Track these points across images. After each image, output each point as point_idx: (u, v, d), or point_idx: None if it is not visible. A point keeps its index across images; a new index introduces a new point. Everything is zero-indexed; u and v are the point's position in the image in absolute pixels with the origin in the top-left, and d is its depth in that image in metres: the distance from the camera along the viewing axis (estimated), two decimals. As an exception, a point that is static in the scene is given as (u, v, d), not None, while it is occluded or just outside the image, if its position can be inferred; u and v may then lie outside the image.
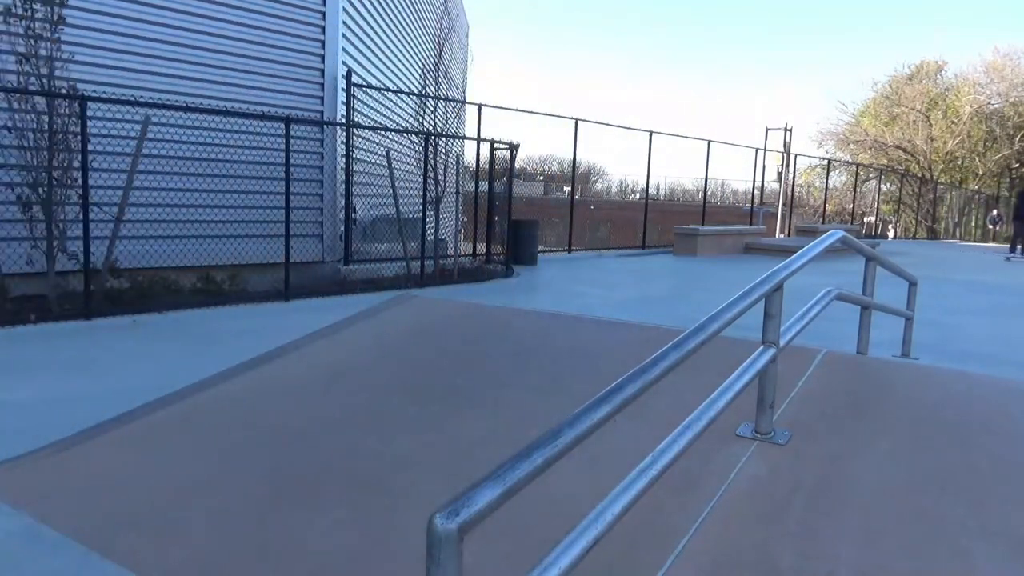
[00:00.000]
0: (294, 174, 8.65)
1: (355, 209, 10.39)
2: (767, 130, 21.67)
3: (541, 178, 42.43)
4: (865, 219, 30.67)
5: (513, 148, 12.02)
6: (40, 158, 6.82)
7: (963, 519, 2.21)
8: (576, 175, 17.33)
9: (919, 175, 33.61)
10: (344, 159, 10.03)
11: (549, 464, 1.38)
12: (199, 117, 8.17)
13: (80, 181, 6.90)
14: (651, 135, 16.65)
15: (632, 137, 16.93)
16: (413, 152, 10.67)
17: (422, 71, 12.63)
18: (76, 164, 6.94)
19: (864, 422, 2.89)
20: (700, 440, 2.06)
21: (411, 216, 10.63)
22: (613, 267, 13.15)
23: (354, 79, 10.30)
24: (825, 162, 29.56)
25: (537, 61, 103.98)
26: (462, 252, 12.25)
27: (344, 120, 10.03)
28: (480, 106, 13.12)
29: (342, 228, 10.15)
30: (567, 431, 1.46)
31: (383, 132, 10.58)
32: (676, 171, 44.55)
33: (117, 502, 2.68)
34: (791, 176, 23.06)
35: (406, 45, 13.64)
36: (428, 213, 10.32)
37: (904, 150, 35.04)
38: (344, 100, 10.05)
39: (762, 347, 2.64)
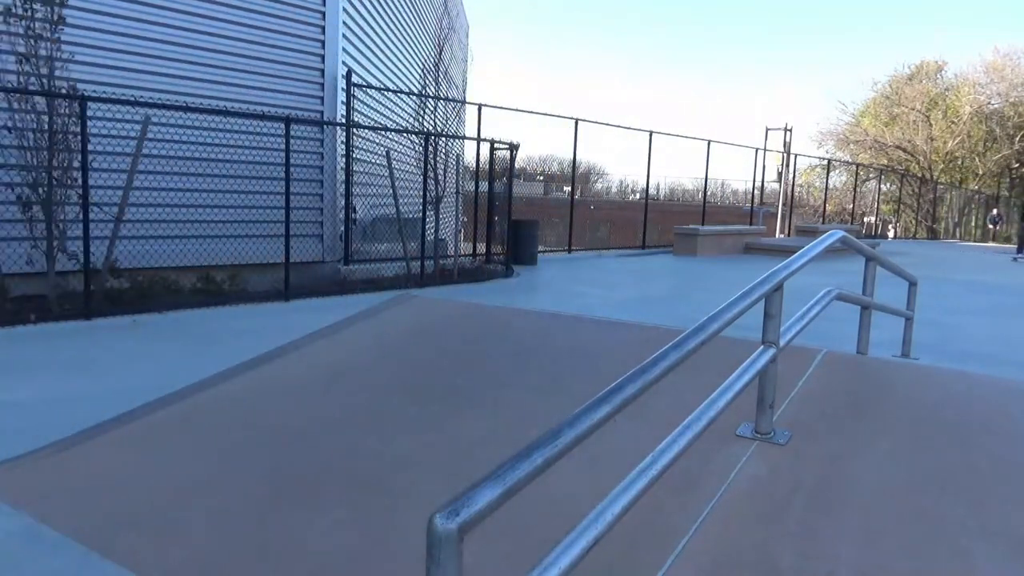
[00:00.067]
0: (294, 174, 8.65)
1: (355, 209, 10.39)
2: (767, 130, 21.69)
3: (541, 178, 42.43)
4: (865, 219, 30.68)
5: (513, 148, 12.02)
6: (40, 158, 6.82)
7: (963, 519, 2.21)
8: (576, 175, 17.33)
9: (919, 175, 33.62)
10: (344, 159, 10.03)
11: (549, 464, 1.38)
12: (199, 117, 8.17)
13: (80, 181, 6.90)
14: (651, 135, 16.66)
15: (632, 137, 16.95)
16: (413, 152, 10.67)
17: (422, 71, 12.64)
18: (76, 164, 6.95)
19: (864, 422, 2.89)
20: (700, 440, 2.06)
21: (411, 216, 10.63)
22: (613, 267, 13.15)
23: (354, 79, 10.30)
24: (825, 162, 29.58)
25: (537, 61, 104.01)
26: (462, 252, 12.25)
27: (344, 120, 10.03)
28: (480, 106, 13.13)
29: (342, 228, 10.15)
30: (567, 431, 1.46)
31: (383, 132, 10.58)
32: (676, 171, 44.59)
33: (117, 502, 2.68)
34: (791, 176, 23.07)
35: (406, 45, 13.64)
36: (428, 213, 10.33)
37: (904, 150, 35.06)
38: (344, 100, 10.05)
39: (762, 347, 2.64)
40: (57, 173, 6.88)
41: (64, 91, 6.88)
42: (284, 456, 2.95)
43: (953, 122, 34.22)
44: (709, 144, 18.42)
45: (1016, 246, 20.53)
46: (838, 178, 33.53)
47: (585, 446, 1.51)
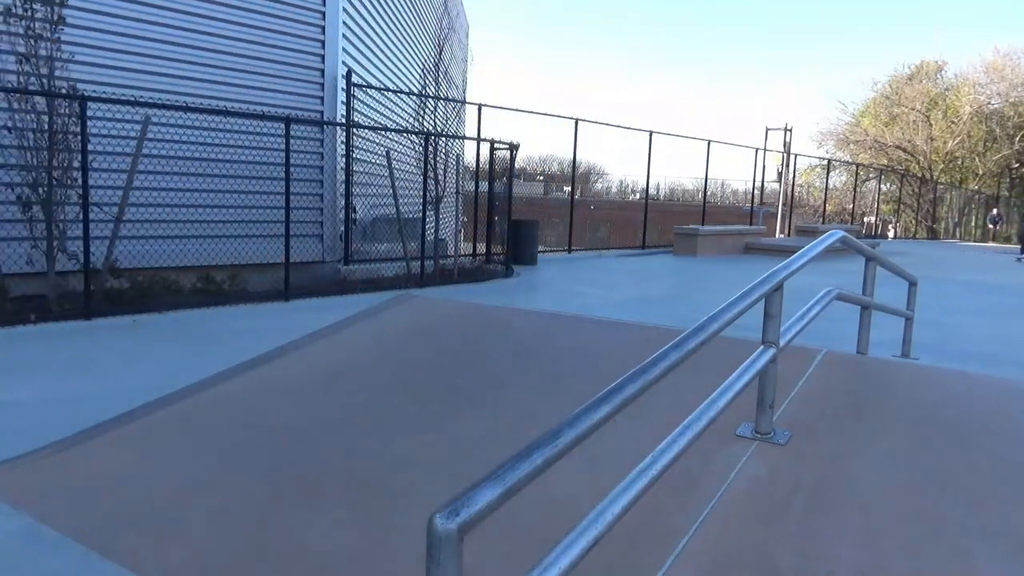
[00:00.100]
0: (294, 174, 8.65)
1: (355, 209, 10.39)
2: (767, 130, 21.69)
3: (541, 178, 42.43)
4: (865, 219, 30.68)
5: (513, 148, 12.02)
6: (40, 158, 6.82)
7: (963, 519, 2.21)
8: (576, 175, 17.33)
9: (919, 175, 33.62)
10: (344, 159, 10.03)
11: (549, 464, 1.38)
12: (199, 117, 8.17)
13: (80, 181, 6.90)
14: (651, 135, 16.66)
15: (632, 137, 16.95)
16: (413, 152, 10.67)
17: (422, 71, 12.64)
18: (76, 164, 6.95)
19: (864, 422, 2.89)
20: (700, 440, 2.06)
21: (411, 216, 10.63)
22: (613, 267, 13.15)
23: (354, 79, 10.30)
24: (825, 162, 29.58)
25: (537, 61, 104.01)
26: (462, 252, 12.25)
27: (344, 120, 10.03)
28: (480, 106, 13.13)
29: (342, 228, 10.15)
30: (567, 431, 1.46)
31: (383, 132, 10.58)
32: (676, 171, 44.59)
33: (117, 502, 2.68)
34: (791, 176, 23.07)
35: (406, 45, 13.64)
36: (428, 213, 10.32)
37: (904, 150, 35.06)
38: (344, 100, 10.05)
39: (762, 347, 2.64)
40: (57, 173, 6.88)
41: (64, 91, 6.88)
42: (284, 456, 2.95)
43: (953, 122, 34.22)
44: (709, 144, 18.42)
45: (1020, 247, 20.52)
46: (838, 178, 33.55)
47: (585, 446, 1.51)
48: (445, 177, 10.67)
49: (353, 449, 2.97)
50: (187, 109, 7.93)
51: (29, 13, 6.67)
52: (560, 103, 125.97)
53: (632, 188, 39.64)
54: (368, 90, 11.07)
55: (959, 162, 36.26)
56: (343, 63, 9.92)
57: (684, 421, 2.05)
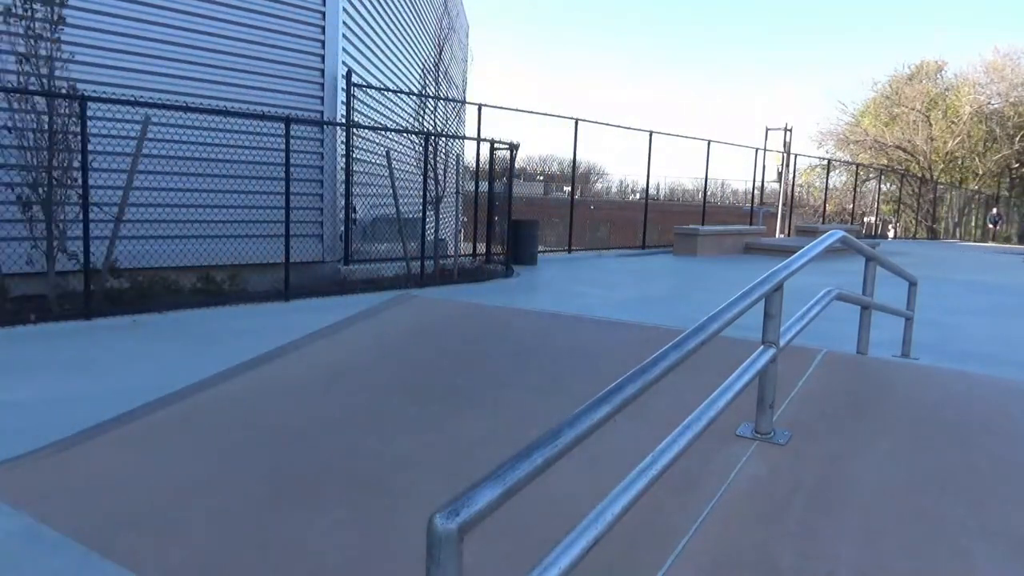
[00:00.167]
0: (294, 174, 8.65)
1: (355, 209, 10.39)
2: (767, 130, 21.69)
3: (541, 178, 42.43)
4: (865, 219, 30.67)
5: (513, 148, 12.02)
6: (40, 158, 6.82)
7: (963, 519, 2.21)
8: (576, 175, 17.33)
9: (919, 175, 33.61)
10: (344, 159, 10.03)
11: (549, 464, 1.38)
12: (199, 117, 8.17)
13: (80, 181, 6.90)
14: (651, 135, 16.66)
15: (632, 137, 16.94)
16: (413, 152, 10.67)
17: (422, 71, 12.63)
18: (76, 164, 6.95)
19: (864, 422, 2.89)
20: (700, 440, 2.06)
21: (411, 216, 10.63)
22: (613, 267, 13.15)
23: (354, 79, 10.30)
24: (825, 162, 29.57)
25: (537, 61, 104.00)
26: (462, 252, 12.25)
27: (344, 120, 10.03)
28: (480, 106, 13.12)
29: (342, 228, 10.15)
30: (567, 431, 1.46)
31: (383, 132, 10.58)
32: (676, 171, 44.61)
33: (117, 502, 2.68)
34: (791, 176, 23.07)
35: (406, 45, 13.64)
36: (428, 213, 10.32)
37: (904, 150, 35.05)
38: (344, 100, 10.05)
39: (762, 347, 2.64)
40: (57, 173, 6.88)
41: (64, 91, 6.88)
42: (284, 456, 2.95)
43: (953, 122, 34.21)
44: (709, 144, 18.42)
45: None
46: (838, 178, 33.54)
47: (585, 446, 1.51)
48: (445, 177, 10.67)
49: (353, 449, 2.97)
50: (187, 109, 7.93)
51: (29, 13, 6.67)
52: (560, 103, 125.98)
53: (632, 188, 39.65)
54: (368, 90, 11.07)
55: (959, 162, 36.26)
56: (343, 63, 9.92)
57: (684, 421, 2.05)
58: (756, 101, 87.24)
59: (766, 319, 2.67)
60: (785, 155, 21.67)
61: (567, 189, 29.23)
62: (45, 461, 3.07)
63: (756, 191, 22.92)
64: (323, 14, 9.51)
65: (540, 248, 13.79)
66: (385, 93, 11.84)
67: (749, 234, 17.28)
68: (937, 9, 63.09)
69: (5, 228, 7.02)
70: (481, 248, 12.68)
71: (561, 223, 18.23)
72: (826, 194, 27.25)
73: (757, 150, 21.12)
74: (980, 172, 35.85)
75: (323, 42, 9.56)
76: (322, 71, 9.60)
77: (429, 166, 10.23)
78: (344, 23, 9.86)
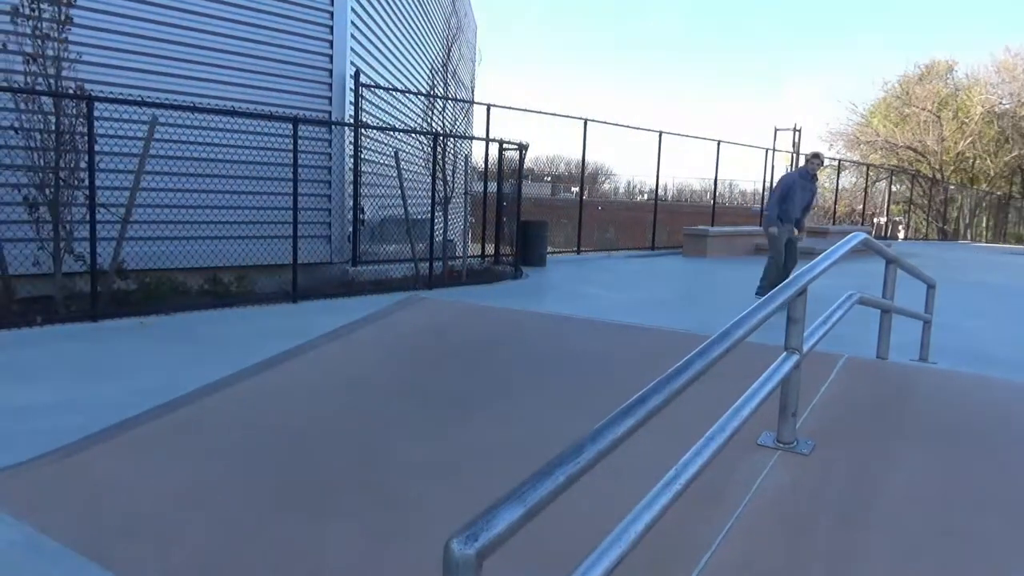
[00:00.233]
0: (302, 175, 8.59)
1: (363, 210, 10.32)
2: (776, 131, 21.54)
3: (549, 179, 42.34)
4: (875, 220, 30.45)
5: (522, 148, 11.94)
6: (47, 159, 6.78)
7: (1002, 536, 2.11)
8: (585, 175, 17.22)
9: (930, 176, 33.35)
10: (352, 160, 9.97)
11: (572, 482, 1.30)
12: (206, 117, 8.12)
13: (87, 182, 6.86)
14: (660, 135, 16.54)
15: (641, 137, 16.82)
16: (421, 153, 10.60)
17: (430, 71, 12.57)
18: (83, 165, 6.90)
19: (890, 431, 2.80)
20: (722, 450, 1.97)
21: (419, 217, 10.56)
22: (623, 268, 13.05)
23: (362, 79, 10.23)
24: (835, 163, 29.36)
25: (546, 60, 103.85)
26: (471, 253, 12.17)
27: (352, 120, 9.97)
28: (489, 106, 13.04)
29: (350, 229, 10.09)
30: (590, 446, 1.38)
31: (391, 132, 10.51)
32: (685, 172, 44.40)
33: (119, 510, 2.61)
34: (801, 177, 22.85)
35: (414, 45, 13.58)
36: (436, 214, 10.25)
37: (915, 151, 34.79)
38: (352, 100, 9.99)
39: (785, 353, 2.55)
40: (64, 174, 6.84)
41: (71, 91, 6.84)
42: (292, 463, 2.88)
43: (964, 122, 33.92)
44: (719, 145, 18.30)
45: None
46: (848, 179, 33.33)
47: (606, 460, 1.43)
48: (454, 178, 10.60)
49: (362, 454, 2.90)
50: (194, 109, 7.89)
51: (36, 13, 6.63)
52: (569, 103, 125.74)
53: (640, 189, 39.47)
54: (376, 90, 11.01)
55: (970, 163, 35.96)
56: (351, 63, 9.86)
57: (707, 432, 1.97)
58: (766, 101, 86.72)
59: (789, 324, 2.58)
60: (795, 156, 21.52)
61: (574, 190, 29.13)
62: (48, 468, 3.01)
63: (766, 192, 22.76)
64: (331, 14, 9.45)
65: (549, 249, 13.68)
66: (393, 93, 11.77)
67: (759, 235, 17.12)
68: (947, 8, 62.68)
69: (12, 229, 6.98)
70: (490, 249, 12.60)
71: (569, 224, 18.13)
72: (836, 195, 27.06)
73: (767, 151, 20.97)
74: (991, 173, 35.55)
75: (331, 42, 9.50)
76: (330, 71, 9.54)
77: (437, 167, 10.16)
78: (352, 23, 9.79)
